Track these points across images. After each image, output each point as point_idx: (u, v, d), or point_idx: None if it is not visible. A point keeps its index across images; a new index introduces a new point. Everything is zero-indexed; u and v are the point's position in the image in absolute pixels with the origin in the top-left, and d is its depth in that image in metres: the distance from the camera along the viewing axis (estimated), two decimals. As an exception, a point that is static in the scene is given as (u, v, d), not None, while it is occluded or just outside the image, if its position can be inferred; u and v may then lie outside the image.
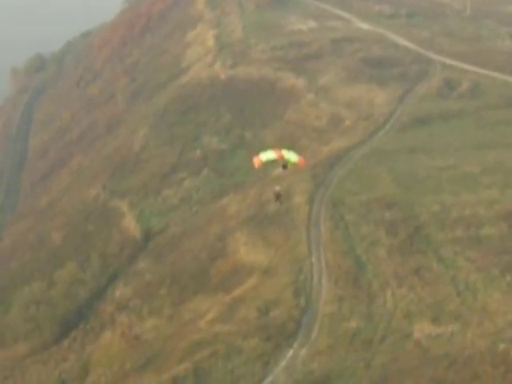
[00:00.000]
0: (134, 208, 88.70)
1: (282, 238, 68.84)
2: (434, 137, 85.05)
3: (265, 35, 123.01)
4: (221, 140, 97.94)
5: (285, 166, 44.64)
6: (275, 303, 58.88)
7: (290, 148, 48.24)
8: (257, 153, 44.90)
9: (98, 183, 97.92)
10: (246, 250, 69.85)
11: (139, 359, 61.04)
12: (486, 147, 79.68)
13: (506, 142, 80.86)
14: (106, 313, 73.23)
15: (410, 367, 48.92)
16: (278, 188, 54.16)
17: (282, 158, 43.37)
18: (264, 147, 54.41)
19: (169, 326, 65.46)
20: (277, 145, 70.58)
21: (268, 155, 43.60)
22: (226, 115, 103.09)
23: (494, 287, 56.33)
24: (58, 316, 75.96)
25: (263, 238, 70.32)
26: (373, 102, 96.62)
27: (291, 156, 43.63)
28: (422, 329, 52.66)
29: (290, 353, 52.58)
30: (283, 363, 51.56)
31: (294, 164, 44.11)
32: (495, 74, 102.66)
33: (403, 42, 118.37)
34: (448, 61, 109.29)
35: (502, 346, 48.94)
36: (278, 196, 54.27)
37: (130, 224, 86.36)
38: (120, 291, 75.61)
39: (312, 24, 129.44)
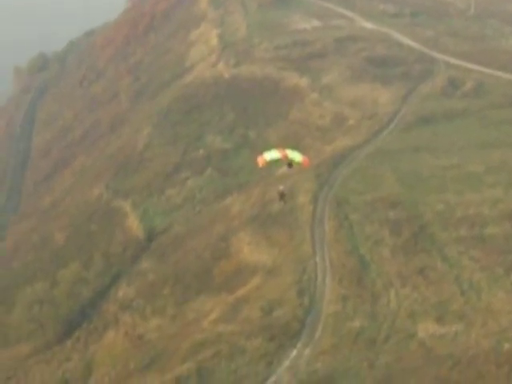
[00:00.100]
0: (138, 207, 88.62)
1: (286, 238, 68.67)
2: (438, 136, 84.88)
3: (268, 34, 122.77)
4: (224, 139, 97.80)
5: (290, 165, 44.56)
6: (279, 303, 58.72)
7: (294, 147, 48.20)
8: (261, 152, 44.87)
9: (101, 183, 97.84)
10: (250, 250, 69.69)
11: (142, 359, 60.88)
12: (490, 146, 79.50)
13: (510, 141, 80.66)
14: (109, 312, 73.11)
15: (413, 367, 48.81)
16: (281, 187, 54.17)
17: (285, 157, 43.28)
18: (268, 146, 54.51)
19: (172, 326, 65.33)
20: (280, 144, 70.58)
21: (272, 155, 43.56)
22: (230, 114, 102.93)
23: (498, 286, 56.20)
24: (61, 316, 75.90)
25: (267, 237, 70.16)
26: (377, 101, 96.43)
27: (295, 155, 43.58)
28: (426, 328, 52.54)
29: (294, 353, 52.40)
30: (287, 363, 51.40)
31: (298, 163, 44.02)
32: (499, 73, 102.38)
33: (407, 41, 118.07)
34: (452, 60, 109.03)
35: (506, 346, 48.84)
36: (281, 195, 54.32)
37: (134, 223, 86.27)
38: (123, 291, 75.48)
39: (315, 23, 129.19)
